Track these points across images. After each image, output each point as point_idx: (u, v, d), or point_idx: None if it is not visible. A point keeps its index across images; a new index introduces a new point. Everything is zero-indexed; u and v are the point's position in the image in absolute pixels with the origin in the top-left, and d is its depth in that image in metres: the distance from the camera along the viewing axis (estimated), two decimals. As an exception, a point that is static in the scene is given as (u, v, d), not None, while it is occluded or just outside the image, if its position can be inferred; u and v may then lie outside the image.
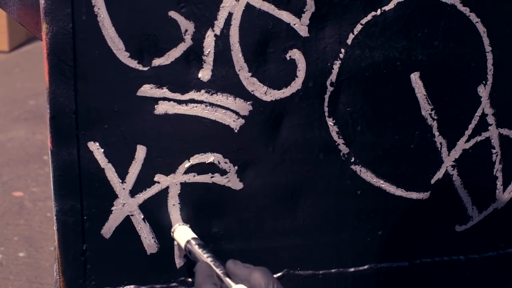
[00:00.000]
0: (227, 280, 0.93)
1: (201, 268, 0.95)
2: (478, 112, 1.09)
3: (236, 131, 1.01)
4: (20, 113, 4.30)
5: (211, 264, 0.95)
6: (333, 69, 1.02)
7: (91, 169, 0.99)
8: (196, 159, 1.02)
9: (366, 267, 1.13)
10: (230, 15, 0.96)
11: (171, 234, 1.03)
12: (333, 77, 1.02)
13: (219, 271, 0.94)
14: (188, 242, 1.00)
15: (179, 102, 0.99)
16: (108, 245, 1.03)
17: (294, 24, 0.99)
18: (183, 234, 1.02)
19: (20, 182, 3.47)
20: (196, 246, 0.99)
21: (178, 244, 1.03)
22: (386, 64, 1.03)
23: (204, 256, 0.97)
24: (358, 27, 1.01)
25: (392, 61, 1.03)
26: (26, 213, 3.21)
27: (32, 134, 4.01)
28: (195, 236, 1.01)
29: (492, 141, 1.12)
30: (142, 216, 1.03)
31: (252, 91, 1.00)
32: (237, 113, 1.01)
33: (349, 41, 1.01)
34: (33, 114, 4.27)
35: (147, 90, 0.98)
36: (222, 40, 0.97)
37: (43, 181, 3.47)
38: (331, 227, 1.09)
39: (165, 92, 0.98)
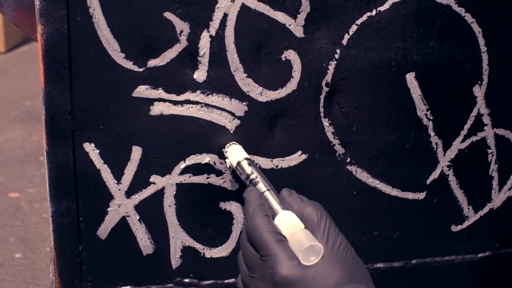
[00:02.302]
0: (276, 204, 0.87)
1: (252, 196, 0.88)
2: (474, 112, 1.10)
3: (231, 131, 1.01)
4: (16, 114, 4.29)
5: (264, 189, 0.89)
6: (328, 69, 1.02)
7: (86, 170, 0.99)
8: (191, 159, 1.02)
9: (362, 267, 1.13)
10: (225, 16, 0.96)
11: (224, 152, 0.99)
12: (328, 77, 1.02)
13: (270, 197, 0.87)
14: (239, 163, 0.96)
15: (175, 103, 0.99)
16: (104, 246, 1.03)
17: (290, 25, 0.99)
18: (235, 153, 0.97)
19: (16, 183, 3.47)
20: (250, 167, 0.93)
21: (230, 164, 0.98)
22: (382, 64, 1.03)
23: (256, 180, 0.90)
24: (354, 28, 1.01)
25: (388, 62, 1.03)
26: (22, 214, 3.21)
27: (29, 135, 4.00)
28: (247, 156, 0.97)
29: (488, 141, 1.12)
30: (138, 217, 1.03)
31: (248, 91, 1.00)
32: (232, 114, 1.01)
33: (344, 42, 1.01)
34: (29, 115, 4.27)
35: (142, 91, 0.97)
36: (218, 41, 0.97)
37: (39, 182, 3.47)
38: (327, 228, 1.09)
39: (160, 93, 0.98)
